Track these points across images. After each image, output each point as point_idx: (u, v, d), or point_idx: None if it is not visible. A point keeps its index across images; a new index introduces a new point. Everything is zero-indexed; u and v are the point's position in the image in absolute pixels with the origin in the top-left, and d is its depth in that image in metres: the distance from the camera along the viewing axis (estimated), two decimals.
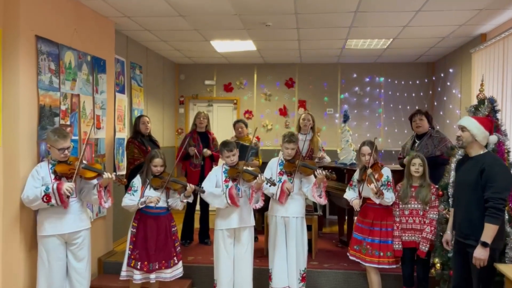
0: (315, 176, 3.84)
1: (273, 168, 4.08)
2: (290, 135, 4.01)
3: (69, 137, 3.43)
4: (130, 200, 3.68)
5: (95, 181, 3.50)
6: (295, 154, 4.03)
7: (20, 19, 3.45)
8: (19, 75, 3.45)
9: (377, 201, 3.71)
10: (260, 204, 3.77)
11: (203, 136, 5.36)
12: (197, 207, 5.46)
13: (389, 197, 3.69)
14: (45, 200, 3.25)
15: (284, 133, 4.11)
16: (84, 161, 3.51)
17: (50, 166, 3.41)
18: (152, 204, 3.64)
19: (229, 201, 3.70)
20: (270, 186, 3.79)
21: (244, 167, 3.79)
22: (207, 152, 5.25)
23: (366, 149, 3.85)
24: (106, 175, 3.42)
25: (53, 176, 3.38)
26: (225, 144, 3.88)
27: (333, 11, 4.57)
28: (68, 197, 3.30)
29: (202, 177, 5.09)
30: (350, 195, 4.02)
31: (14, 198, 3.48)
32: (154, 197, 3.66)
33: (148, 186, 3.75)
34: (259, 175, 3.71)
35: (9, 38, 3.45)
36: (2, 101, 3.46)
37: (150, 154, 3.88)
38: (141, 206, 3.67)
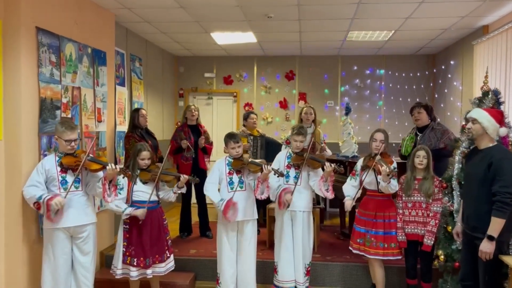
0: (323, 170, 3.82)
1: (281, 161, 4.06)
2: (299, 127, 4.00)
3: (76, 129, 3.42)
4: (116, 207, 3.60)
5: (101, 174, 3.48)
6: (303, 147, 4.00)
7: (20, 10, 3.40)
8: (20, 67, 3.41)
9: (384, 184, 3.64)
10: (265, 195, 3.75)
11: (194, 129, 5.32)
12: (193, 199, 5.45)
13: (395, 184, 3.68)
14: (35, 207, 3.29)
15: (294, 125, 4.09)
16: (90, 154, 3.48)
17: (57, 158, 3.39)
18: (140, 217, 3.58)
19: (222, 212, 3.68)
20: (278, 176, 3.78)
21: (250, 159, 3.76)
22: (201, 142, 5.22)
23: (380, 135, 3.84)
24: (110, 166, 3.39)
25: (59, 169, 3.37)
26: (232, 135, 3.85)
27: (336, 3, 4.53)
28: (57, 212, 3.26)
29: (194, 170, 5.11)
30: (348, 190, 3.95)
31: (16, 191, 3.45)
32: (140, 210, 3.59)
33: (137, 181, 3.72)
34: (265, 166, 3.69)
35: (9, 29, 3.40)
36: (3, 94, 3.42)
37: (136, 147, 3.82)
38: (124, 217, 3.63)
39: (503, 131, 3.30)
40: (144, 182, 3.72)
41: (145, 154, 3.74)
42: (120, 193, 3.64)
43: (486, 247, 2.94)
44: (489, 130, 3.09)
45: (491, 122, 3.10)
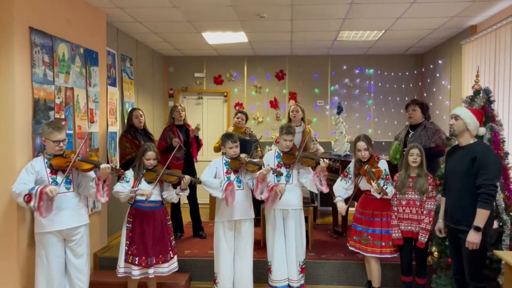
0: (314, 168, 3.85)
1: (270, 161, 4.04)
2: (287, 126, 4.00)
3: (64, 129, 3.37)
4: (122, 187, 3.61)
5: (92, 174, 3.45)
6: (292, 145, 4.02)
7: (14, 10, 3.35)
8: (14, 67, 3.35)
9: (378, 197, 3.74)
10: (265, 195, 3.75)
11: (182, 129, 5.32)
12: (184, 200, 5.43)
13: (390, 190, 3.74)
14: (25, 199, 3.14)
15: (282, 125, 4.11)
16: (80, 154, 3.45)
17: (46, 160, 3.34)
18: (143, 198, 3.60)
19: (223, 195, 3.66)
20: (276, 176, 3.78)
21: (248, 159, 3.77)
22: (196, 131, 5.25)
23: (362, 144, 3.83)
24: (103, 166, 3.37)
25: (49, 170, 3.32)
26: (229, 135, 3.86)
27: (329, 3, 4.56)
28: (50, 199, 3.15)
29: (185, 170, 5.10)
30: (339, 190, 3.97)
31: (10, 193, 3.37)
32: (147, 190, 3.61)
33: (142, 180, 3.71)
34: (264, 165, 3.70)
35: (2, 29, 3.35)
36: None
37: (143, 147, 3.83)
38: (131, 195, 3.61)
39: (482, 130, 3.49)
40: (149, 182, 3.71)
41: (151, 154, 3.73)
42: (124, 187, 3.64)
43: (473, 238, 3.04)
44: (470, 126, 3.24)
45: (473, 119, 3.26)
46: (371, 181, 3.71)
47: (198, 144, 5.41)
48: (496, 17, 4.88)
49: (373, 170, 3.76)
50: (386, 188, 3.70)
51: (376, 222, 3.84)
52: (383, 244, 3.80)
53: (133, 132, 4.83)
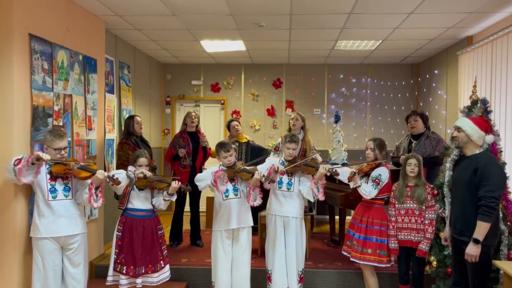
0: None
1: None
2: (291, 135, 4.01)
3: (65, 137, 3.35)
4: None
5: (89, 181, 3.43)
6: (295, 154, 4.02)
7: (13, 17, 3.35)
8: (13, 74, 3.35)
9: (351, 185, 3.81)
10: (258, 202, 3.76)
11: (193, 136, 5.32)
12: (186, 208, 5.43)
13: (366, 190, 3.76)
14: (15, 163, 3.11)
15: (286, 134, 4.11)
16: (80, 163, 3.43)
17: (47, 166, 3.32)
18: (141, 175, 3.56)
19: (212, 181, 3.66)
20: (269, 183, 3.78)
21: (242, 167, 3.77)
22: (204, 139, 5.31)
23: (369, 143, 3.95)
24: (99, 173, 3.34)
25: (48, 177, 3.30)
26: (222, 144, 3.84)
27: (327, 12, 4.59)
28: (38, 159, 3.12)
29: (192, 178, 5.06)
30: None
31: (8, 200, 3.38)
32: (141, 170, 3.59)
33: (134, 187, 3.68)
34: (257, 173, 3.69)
35: (2, 36, 3.34)
36: None
37: (135, 154, 3.80)
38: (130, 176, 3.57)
39: (489, 138, 3.40)
40: (140, 189, 3.68)
41: (143, 160, 3.70)
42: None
43: (472, 250, 3.03)
44: (473, 137, 3.21)
45: (475, 129, 3.22)
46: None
47: (206, 154, 5.38)
48: (492, 28, 4.94)
49: (364, 165, 3.84)
50: (360, 182, 3.78)
51: (362, 228, 3.87)
52: (363, 250, 3.83)
53: (134, 139, 4.81)
